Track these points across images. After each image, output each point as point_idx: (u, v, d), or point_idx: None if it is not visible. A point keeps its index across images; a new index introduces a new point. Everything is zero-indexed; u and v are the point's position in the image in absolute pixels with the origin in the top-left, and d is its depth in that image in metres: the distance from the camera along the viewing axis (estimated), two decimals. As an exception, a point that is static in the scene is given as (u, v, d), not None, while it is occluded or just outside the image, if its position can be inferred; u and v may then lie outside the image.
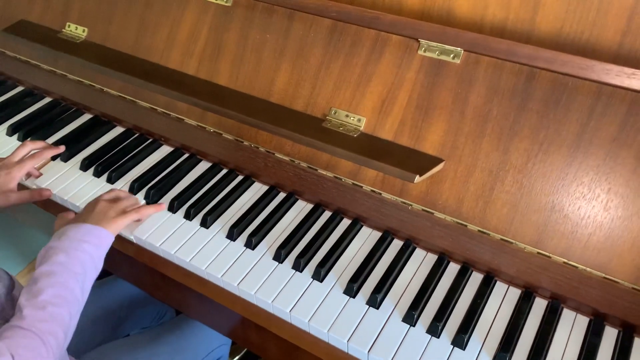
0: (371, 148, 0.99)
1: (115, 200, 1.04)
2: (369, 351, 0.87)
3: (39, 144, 1.21)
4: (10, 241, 1.41)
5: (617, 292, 0.87)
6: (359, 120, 1.03)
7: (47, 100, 1.42)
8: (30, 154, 1.18)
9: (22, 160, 1.14)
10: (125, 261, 1.11)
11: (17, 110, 1.38)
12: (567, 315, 0.92)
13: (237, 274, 0.98)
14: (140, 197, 1.14)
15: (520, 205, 0.91)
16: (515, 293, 0.95)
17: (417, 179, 0.92)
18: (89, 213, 0.99)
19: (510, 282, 0.96)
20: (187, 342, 1.21)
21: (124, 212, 1.02)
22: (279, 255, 1.00)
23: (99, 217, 0.98)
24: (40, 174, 1.18)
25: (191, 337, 1.22)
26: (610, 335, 0.89)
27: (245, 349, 1.54)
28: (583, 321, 0.91)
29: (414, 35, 0.97)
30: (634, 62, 0.84)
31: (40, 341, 0.78)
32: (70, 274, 0.87)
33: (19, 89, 1.46)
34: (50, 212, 1.19)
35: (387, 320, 0.91)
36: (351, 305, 0.93)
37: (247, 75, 1.14)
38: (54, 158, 1.24)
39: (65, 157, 1.23)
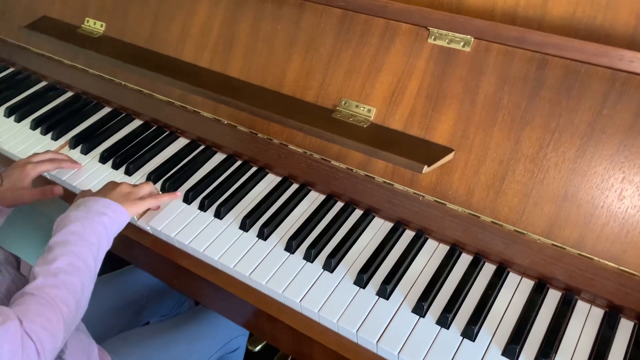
0: (380, 138, 0.98)
1: (140, 186, 1.06)
2: (377, 341, 0.87)
3: (60, 155, 1.21)
4: (34, 230, 1.46)
5: (632, 283, 0.84)
6: (369, 110, 1.02)
7: (69, 94, 1.46)
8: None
9: (39, 162, 1.16)
10: (143, 252, 1.13)
11: (41, 105, 1.42)
12: (581, 307, 0.90)
13: (249, 264, 1.00)
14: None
15: (532, 195, 0.89)
16: (528, 284, 0.94)
17: (426, 169, 0.91)
18: (110, 191, 1.01)
19: (524, 274, 0.95)
20: (205, 331, 1.23)
21: (142, 197, 1.04)
22: (291, 246, 1.01)
23: (120, 196, 1.00)
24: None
25: (209, 326, 1.24)
26: (625, 328, 0.86)
27: (265, 342, 1.56)
28: (597, 313, 0.89)
29: (423, 24, 0.95)
30: (650, 47, 0.81)
31: (50, 307, 0.79)
32: (85, 243, 0.88)
33: (42, 83, 1.50)
34: (69, 202, 1.22)
35: (396, 311, 0.91)
36: (361, 295, 0.93)
37: (258, 67, 1.14)
38: (73, 146, 1.27)
39: (85, 149, 1.26)
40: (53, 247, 0.87)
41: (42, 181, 1.22)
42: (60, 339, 0.78)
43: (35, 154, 1.18)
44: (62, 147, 1.28)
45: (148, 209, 1.08)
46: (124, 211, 0.98)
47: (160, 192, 1.13)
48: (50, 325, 0.77)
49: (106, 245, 0.94)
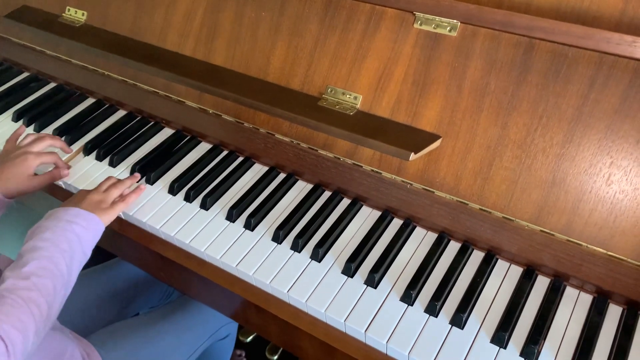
0: (367, 126, 0.97)
1: (108, 190, 1.04)
2: (366, 330, 0.86)
3: (58, 142, 1.18)
4: (19, 226, 1.44)
5: (621, 269, 0.84)
6: (355, 98, 1.01)
7: (51, 85, 1.43)
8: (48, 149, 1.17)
9: (40, 153, 1.13)
10: (128, 244, 1.12)
11: (23, 96, 1.39)
12: (570, 294, 0.90)
13: (235, 255, 0.98)
14: (141, 182, 1.14)
15: (520, 181, 0.89)
16: (516, 271, 0.93)
17: (412, 156, 0.90)
18: (80, 201, 0.99)
19: (512, 260, 0.94)
20: (195, 320, 1.22)
21: (114, 203, 1.02)
22: (278, 236, 1.00)
23: (90, 205, 0.99)
24: (69, 167, 1.19)
25: (198, 315, 1.23)
26: (614, 314, 0.86)
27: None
28: (586, 299, 0.89)
29: (407, 8, 0.94)
30: (637, 29, 0.80)
31: (21, 308, 0.77)
32: (56, 249, 0.87)
33: (25, 74, 1.48)
34: (55, 196, 1.20)
35: (384, 300, 0.90)
36: (349, 285, 0.93)
37: (243, 55, 1.12)
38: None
39: (69, 141, 1.24)
40: (24, 254, 0.86)
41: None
42: (31, 341, 0.77)
43: (33, 142, 1.13)
44: (76, 153, 1.23)
45: None
46: (97, 219, 0.96)
47: (124, 180, 1.10)
48: (21, 325, 0.75)
49: (81, 254, 0.92)
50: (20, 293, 0.79)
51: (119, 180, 1.08)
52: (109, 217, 0.99)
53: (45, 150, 1.15)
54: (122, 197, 1.05)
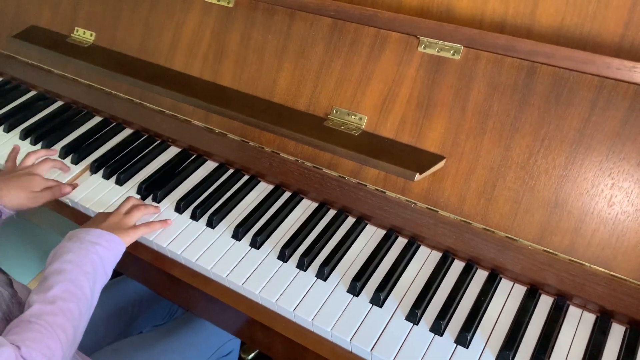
0: (372, 146, 0.98)
1: (129, 212, 1.05)
2: (371, 349, 0.87)
3: (59, 164, 1.21)
4: (27, 244, 1.45)
5: (623, 289, 0.85)
6: (361, 118, 1.03)
7: (58, 104, 1.45)
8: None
9: (46, 179, 1.16)
10: (133, 261, 1.12)
11: (30, 115, 1.41)
12: (573, 313, 0.90)
13: (242, 273, 0.99)
14: (148, 200, 1.15)
15: (523, 202, 0.90)
16: (520, 290, 0.94)
17: (417, 177, 0.92)
18: (101, 222, 1.00)
19: (516, 280, 0.95)
20: (198, 337, 1.23)
21: (135, 226, 1.03)
22: (284, 255, 1.01)
23: (112, 226, 1.00)
24: (76, 185, 1.20)
25: (202, 332, 1.24)
26: (617, 333, 0.87)
27: (257, 350, 1.56)
28: (589, 318, 0.90)
29: (412, 32, 0.96)
30: (637, 54, 0.82)
31: (48, 333, 0.79)
32: (80, 272, 0.88)
33: (32, 93, 1.49)
34: (62, 214, 1.21)
35: (390, 319, 0.91)
36: (354, 303, 0.94)
37: (250, 76, 1.14)
38: (63, 156, 1.27)
39: (75, 159, 1.25)
40: (48, 277, 0.87)
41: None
42: None
43: (32, 158, 1.19)
44: (82, 172, 1.24)
45: None
46: (118, 240, 0.97)
47: (153, 204, 1.13)
48: (49, 352, 0.77)
49: (103, 275, 0.93)
50: (47, 318, 0.80)
51: (142, 204, 1.08)
52: (129, 239, 1.00)
53: (49, 171, 1.18)
54: (147, 223, 1.05)
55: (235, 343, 1.34)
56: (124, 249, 0.99)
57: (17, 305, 0.91)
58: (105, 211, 1.10)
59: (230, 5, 1.17)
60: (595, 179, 0.86)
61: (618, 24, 0.83)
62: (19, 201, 1.08)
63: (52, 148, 1.29)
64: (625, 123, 0.83)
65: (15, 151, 1.24)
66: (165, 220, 1.08)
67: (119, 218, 1.03)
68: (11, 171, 1.15)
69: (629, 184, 0.84)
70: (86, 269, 0.89)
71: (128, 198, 1.09)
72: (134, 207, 1.06)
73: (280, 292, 0.96)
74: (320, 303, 0.94)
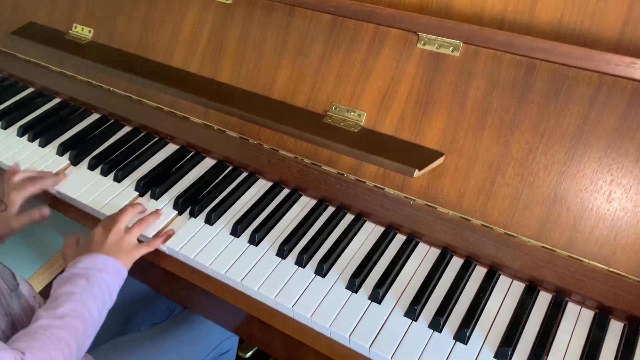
0: (371, 143, 0.98)
1: (131, 231, 1.03)
2: (370, 346, 0.87)
3: (33, 172, 1.19)
4: (25, 242, 1.45)
5: (622, 285, 0.85)
6: (360, 115, 1.03)
7: (56, 101, 1.44)
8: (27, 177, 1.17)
9: (21, 185, 1.13)
10: (132, 259, 1.12)
11: (28, 112, 1.40)
12: (572, 309, 0.91)
13: (240, 270, 0.99)
14: (146, 197, 1.15)
15: (522, 198, 0.90)
16: (519, 287, 0.94)
17: (417, 173, 0.92)
18: (103, 244, 0.99)
19: (514, 276, 0.95)
20: (196, 335, 1.23)
21: (136, 244, 1.02)
22: (282, 251, 1.01)
23: (114, 249, 0.99)
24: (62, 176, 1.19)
25: (200, 330, 1.24)
26: (615, 329, 0.87)
27: (256, 348, 1.56)
28: (588, 315, 0.90)
29: (411, 29, 0.96)
30: (636, 51, 0.82)
31: (54, 345, 0.81)
32: (90, 296, 0.90)
33: (29, 90, 1.49)
34: (60, 211, 1.21)
35: (389, 315, 0.91)
36: (353, 300, 0.93)
37: (248, 73, 1.14)
38: (61, 153, 1.26)
39: (74, 156, 1.25)
40: (58, 297, 0.89)
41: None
42: None
43: (12, 179, 1.14)
44: (65, 168, 1.24)
45: None
46: (122, 267, 0.98)
47: (152, 200, 1.12)
48: None
49: (109, 301, 0.94)
50: (54, 332, 0.82)
51: (141, 219, 1.06)
52: (130, 261, 1.00)
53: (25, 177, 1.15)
54: (148, 243, 1.04)
55: (233, 341, 1.33)
56: (126, 274, 0.99)
57: (18, 301, 0.91)
58: (102, 210, 1.09)
59: (229, 2, 1.16)
60: (594, 175, 0.86)
61: (617, 20, 0.84)
62: (5, 230, 1.08)
63: (47, 148, 1.28)
64: (624, 119, 0.83)
65: (13, 169, 1.20)
66: (166, 234, 1.06)
67: (119, 236, 1.01)
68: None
69: (627, 180, 0.84)
70: (95, 293, 0.91)
71: (125, 209, 1.06)
72: (136, 225, 1.04)
73: (279, 288, 0.96)
74: (319, 299, 0.94)
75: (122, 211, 1.06)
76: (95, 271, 0.93)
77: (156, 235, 1.06)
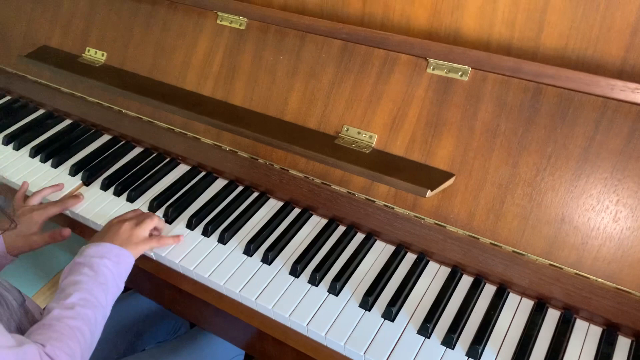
0: (383, 164, 1.01)
1: (138, 223, 1.06)
2: (384, 363, 0.89)
3: (56, 189, 1.23)
4: (31, 259, 1.45)
5: (629, 302, 0.88)
6: (371, 137, 1.06)
7: (67, 122, 1.47)
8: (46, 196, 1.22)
9: (43, 205, 1.17)
10: (144, 277, 1.14)
11: (40, 133, 1.43)
12: (580, 326, 0.93)
13: (254, 288, 1.01)
14: (159, 215, 1.17)
15: (531, 217, 0.93)
16: (528, 304, 0.96)
17: (429, 193, 0.94)
18: (113, 234, 1.02)
19: (523, 294, 0.98)
20: (204, 354, 1.23)
21: (145, 238, 1.05)
22: (295, 270, 1.03)
23: (121, 239, 1.02)
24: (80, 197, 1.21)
25: (207, 349, 1.24)
26: (623, 345, 0.89)
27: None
28: (596, 331, 0.92)
29: (422, 55, 1.00)
30: (639, 76, 0.86)
31: (69, 334, 0.83)
32: (96, 283, 0.92)
33: (40, 111, 1.51)
34: (74, 231, 1.22)
35: (402, 333, 0.93)
36: (367, 318, 0.95)
37: (261, 95, 1.17)
38: (73, 174, 1.29)
39: (86, 177, 1.27)
40: (65, 288, 0.91)
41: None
42: None
43: (32, 196, 1.19)
44: (77, 188, 1.26)
45: None
46: (127, 253, 1.00)
47: (163, 220, 1.14)
48: (70, 351, 0.81)
49: (115, 287, 0.96)
50: (67, 322, 0.84)
51: (151, 216, 1.09)
52: (138, 251, 1.03)
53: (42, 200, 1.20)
54: (158, 238, 1.07)
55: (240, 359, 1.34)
56: (133, 262, 1.01)
57: (26, 315, 0.93)
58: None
59: (242, 27, 1.20)
60: (600, 196, 0.89)
61: (620, 47, 0.88)
62: (18, 250, 1.11)
63: (59, 168, 1.31)
64: (629, 142, 0.87)
65: (23, 188, 1.24)
66: (177, 236, 1.10)
67: (130, 232, 1.04)
68: (19, 208, 1.17)
69: (633, 201, 0.87)
70: (100, 280, 0.93)
71: (151, 215, 1.10)
72: (145, 222, 1.07)
73: (293, 306, 0.97)
74: (332, 318, 0.95)
75: (148, 213, 1.10)
76: (97, 259, 0.95)
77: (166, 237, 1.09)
